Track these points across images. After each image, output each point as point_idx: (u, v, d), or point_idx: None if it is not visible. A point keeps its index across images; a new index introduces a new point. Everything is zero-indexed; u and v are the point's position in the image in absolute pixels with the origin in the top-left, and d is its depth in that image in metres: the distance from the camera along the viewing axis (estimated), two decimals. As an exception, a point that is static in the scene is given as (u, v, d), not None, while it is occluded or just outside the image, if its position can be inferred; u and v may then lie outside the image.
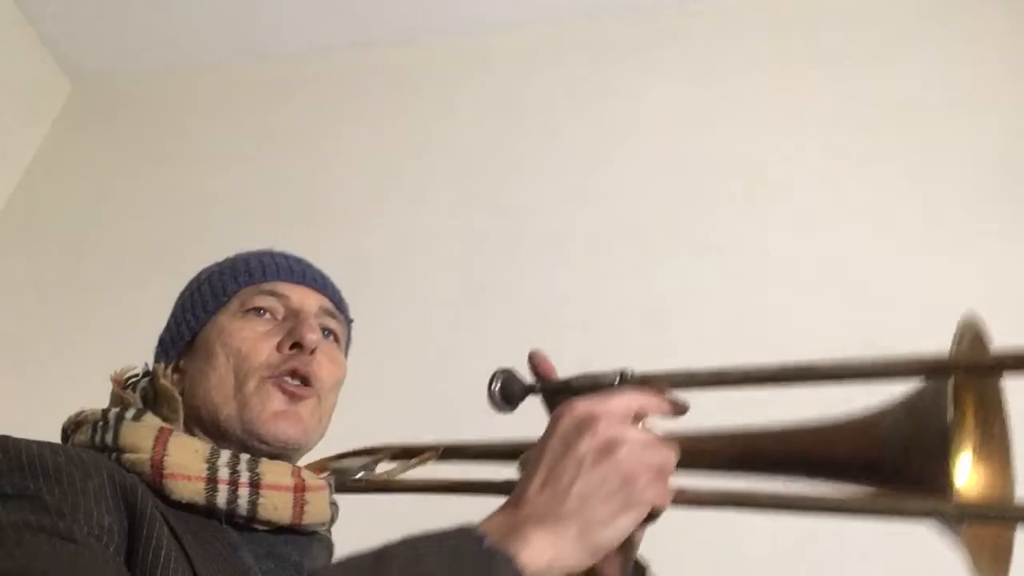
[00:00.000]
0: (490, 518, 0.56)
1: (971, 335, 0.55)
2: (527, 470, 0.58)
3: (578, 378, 0.69)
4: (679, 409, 0.63)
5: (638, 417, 0.61)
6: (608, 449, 0.55)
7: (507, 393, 0.70)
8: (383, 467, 0.85)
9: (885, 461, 0.57)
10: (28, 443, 0.61)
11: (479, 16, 2.37)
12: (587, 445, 0.55)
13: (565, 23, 2.36)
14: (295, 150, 2.30)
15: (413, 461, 0.83)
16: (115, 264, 2.14)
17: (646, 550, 0.66)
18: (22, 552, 0.50)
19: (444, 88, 2.34)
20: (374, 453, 0.85)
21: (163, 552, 0.59)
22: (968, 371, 0.56)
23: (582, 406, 0.58)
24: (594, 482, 0.54)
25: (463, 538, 0.53)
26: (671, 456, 0.58)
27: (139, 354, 0.88)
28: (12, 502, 0.55)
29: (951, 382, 0.52)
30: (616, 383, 0.65)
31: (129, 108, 2.52)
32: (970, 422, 0.57)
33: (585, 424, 0.56)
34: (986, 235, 1.71)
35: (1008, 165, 1.83)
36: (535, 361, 0.70)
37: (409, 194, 2.12)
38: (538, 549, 0.52)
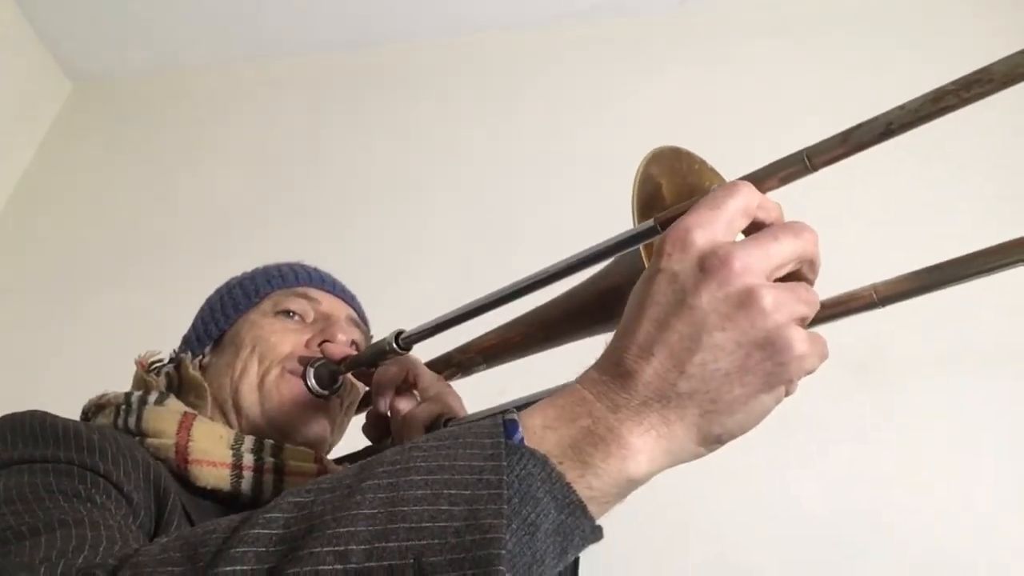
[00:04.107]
0: (566, 402, 0.41)
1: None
2: (623, 327, 0.42)
3: (365, 349, 0.78)
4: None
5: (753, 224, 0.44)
6: (746, 300, 0.39)
7: (321, 379, 0.77)
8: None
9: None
10: (66, 420, 0.61)
11: (479, 16, 2.37)
12: (714, 294, 0.39)
13: (565, 23, 2.36)
14: (294, 150, 2.30)
15: None
16: (114, 263, 2.14)
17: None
18: (41, 509, 0.49)
19: (444, 88, 2.34)
20: None
21: None
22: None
23: (699, 234, 0.41)
24: (725, 349, 0.39)
25: (484, 430, 0.40)
26: (815, 293, 0.43)
27: (139, 352, 0.88)
28: (39, 466, 0.54)
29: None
30: (393, 344, 0.71)
31: (129, 108, 2.52)
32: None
33: (709, 264, 0.40)
34: (987, 236, 1.71)
35: (1009, 165, 1.83)
36: (330, 352, 0.77)
37: (408, 194, 2.12)
38: (639, 452, 0.39)
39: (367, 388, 0.82)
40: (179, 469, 0.67)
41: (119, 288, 2.06)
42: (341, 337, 0.80)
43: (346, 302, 0.90)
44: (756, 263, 0.40)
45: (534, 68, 2.32)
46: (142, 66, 2.55)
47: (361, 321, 0.91)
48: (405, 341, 0.71)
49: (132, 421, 0.71)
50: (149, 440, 0.69)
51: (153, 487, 0.59)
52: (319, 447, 0.79)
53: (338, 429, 0.83)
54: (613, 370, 0.41)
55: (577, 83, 2.25)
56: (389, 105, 2.33)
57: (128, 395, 0.74)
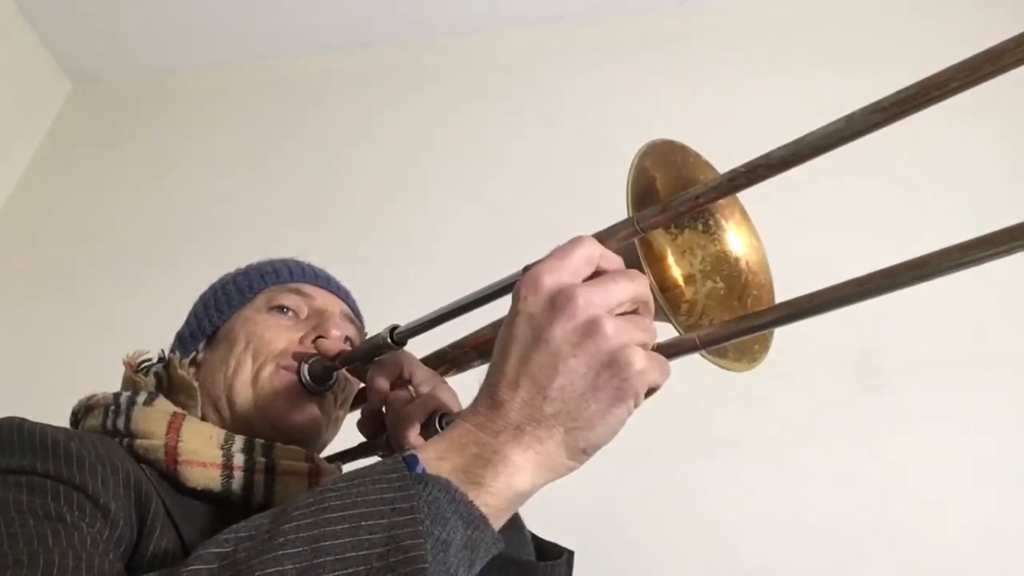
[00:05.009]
0: (453, 435, 0.47)
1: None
2: (493, 365, 0.49)
3: (359, 345, 0.78)
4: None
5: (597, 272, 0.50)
6: (591, 329, 0.46)
7: (315, 375, 0.76)
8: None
9: None
10: (43, 426, 0.59)
11: (479, 16, 2.37)
12: (564, 327, 0.46)
13: (566, 23, 2.36)
14: (295, 150, 2.30)
15: None
16: (114, 264, 2.13)
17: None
18: (8, 534, 0.48)
19: (444, 88, 2.34)
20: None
21: (161, 555, 0.57)
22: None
23: (548, 278, 0.47)
24: (578, 372, 0.45)
25: (388, 467, 0.45)
26: (652, 324, 0.50)
27: (128, 352, 0.87)
28: (12, 478, 0.54)
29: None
30: (387, 340, 0.70)
31: (129, 108, 2.52)
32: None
33: (558, 302, 0.47)
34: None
35: (1009, 168, 1.83)
36: (324, 348, 0.77)
37: (409, 194, 2.12)
38: (522, 469, 0.45)
39: (362, 384, 0.82)
40: (169, 470, 0.66)
41: (118, 288, 2.06)
42: (335, 332, 0.79)
43: (340, 297, 0.89)
44: (597, 299, 0.46)
45: (534, 68, 2.32)
46: (142, 66, 2.54)
47: (355, 316, 0.90)
48: (399, 336, 0.70)
49: (121, 422, 0.70)
50: (138, 441, 0.67)
51: (134, 494, 0.58)
52: (311, 443, 0.79)
53: (332, 425, 0.82)
54: (489, 403, 0.47)
55: (577, 83, 2.25)
56: (389, 106, 2.33)
57: (117, 396, 0.74)
